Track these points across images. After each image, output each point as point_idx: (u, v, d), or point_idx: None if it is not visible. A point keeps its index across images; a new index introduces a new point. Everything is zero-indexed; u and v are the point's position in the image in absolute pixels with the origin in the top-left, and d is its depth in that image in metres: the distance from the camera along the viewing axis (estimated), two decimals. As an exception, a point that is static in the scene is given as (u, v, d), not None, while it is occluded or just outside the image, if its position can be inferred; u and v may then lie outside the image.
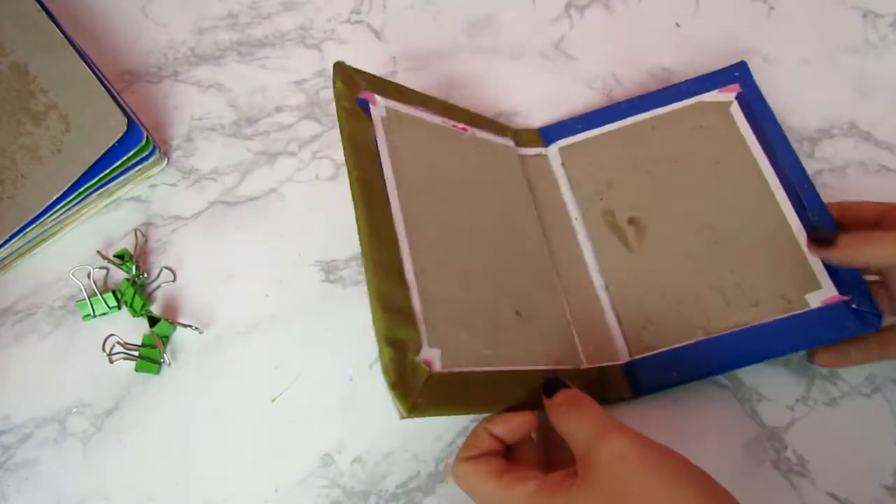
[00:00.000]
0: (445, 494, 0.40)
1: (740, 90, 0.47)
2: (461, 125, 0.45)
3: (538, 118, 0.51)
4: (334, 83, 0.40)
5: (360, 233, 0.35)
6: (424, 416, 0.32)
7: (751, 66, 0.48)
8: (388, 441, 0.41)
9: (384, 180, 0.38)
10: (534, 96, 0.52)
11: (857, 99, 0.51)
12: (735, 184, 0.44)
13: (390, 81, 0.44)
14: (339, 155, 0.49)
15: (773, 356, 0.41)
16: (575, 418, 0.32)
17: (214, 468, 0.40)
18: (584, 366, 0.41)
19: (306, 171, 0.49)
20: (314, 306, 0.42)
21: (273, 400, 0.42)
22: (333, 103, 0.51)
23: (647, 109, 0.48)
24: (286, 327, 0.44)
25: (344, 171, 0.46)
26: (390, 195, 0.37)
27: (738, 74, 0.48)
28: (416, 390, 0.32)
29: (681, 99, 0.48)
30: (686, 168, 0.45)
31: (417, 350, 0.33)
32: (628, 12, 0.55)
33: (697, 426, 0.41)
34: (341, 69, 0.41)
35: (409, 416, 0.31)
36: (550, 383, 0.35)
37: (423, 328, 0.34)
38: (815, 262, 0.41)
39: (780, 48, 0.52)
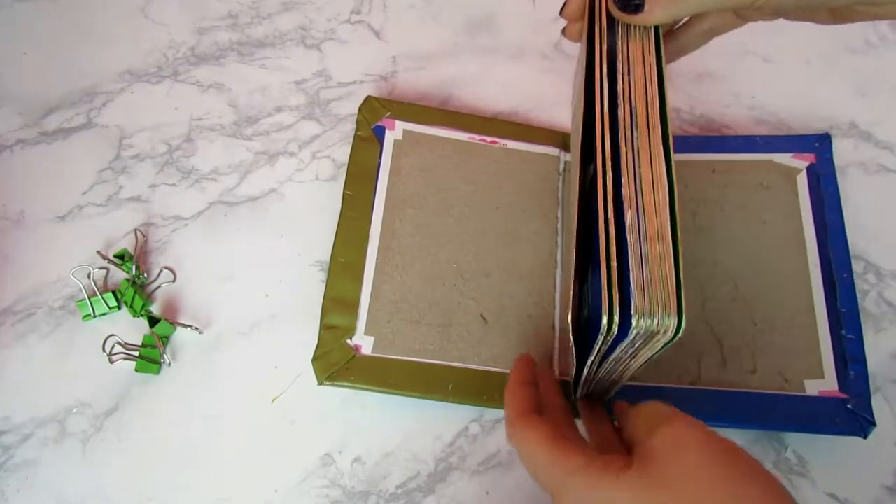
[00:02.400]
0: (445, 494, 0.40)
1: (814, 161, 0.46)
2: (490, 138, 0.48)
3: (538, 118, 0.51)
4: (358, 112, 0.48)
5: (334, 239, 0.43)
6: (340, 386, 0.40)
7: (750, 66, 0.48)
8: (388, 441, 0.41)
9: (373, 196, 0.45)
10: (534, 96, 0.52)
11: (857, 99, 0.51)
12: (774, 250, 0.43)
13: (417, 106, 0.49)
14: (339, 155, 0.49)
15: (754, 428, 0.40)
16: (634, 408, 0.31)
17: (214, 468, 0.40)
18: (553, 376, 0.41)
19: (306, 171, 0.49)
20: (314, 306, 0.42)
21: (273, 400, 0.42)
22: (333, 103, 0.52)
23: (716, 151, 0.46)
24: (286, 327, 0.44)
25: (343, 170, 0.46)
26: (375, 209, 0.45)
27: (818, 145, 0.46)
28: (336, 366, 0.40)
29: (753, 152, 0.46)
30: (730, 219, 0.44)
31: (350, 335, 0.41)
32: (628, 12, 0.55)
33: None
34: (368, 101, 0.48)
35: (322, 384, 0.40)
36: None
37: (362, 318, 0.42)
38: (826, 352, 0.41)
39: (781, 48, 0.53)
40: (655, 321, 0.27)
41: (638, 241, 0.28)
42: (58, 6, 0.53)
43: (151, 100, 0.50)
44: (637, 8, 0.31)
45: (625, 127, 0.31)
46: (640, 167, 0.30)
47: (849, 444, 0.40)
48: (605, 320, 0.28)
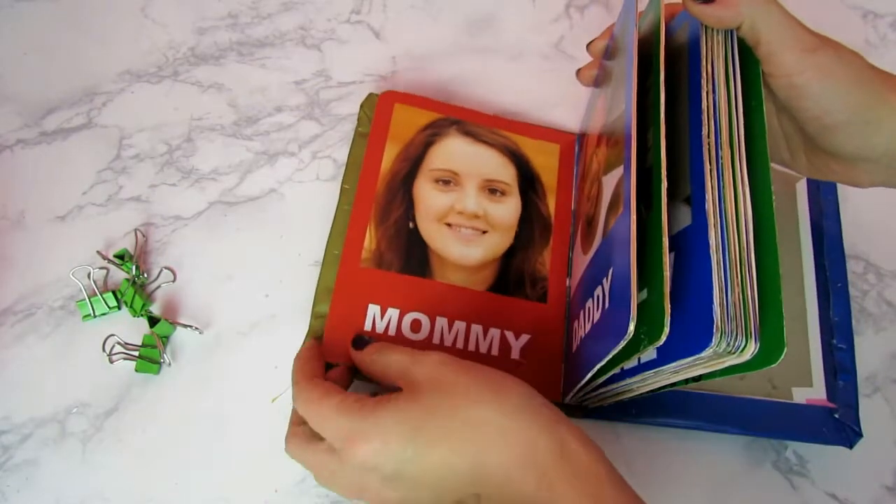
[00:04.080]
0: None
1: None
2: None
3: (538, 118, 0.51)
4: (360, 109, 0.48)
5: (329, 231, 0.44)
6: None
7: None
8: (388, 441, 0.41)
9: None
10: (534, 96, 0.52)
11: (857, 99, 0.51)
12: None
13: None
14: (339, 155, 0.49)
15: (741, 433, 0.40)
16: (388, 356, 0.35)
17: (214, 468, 0.40)
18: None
19: (306, 171, 0.49)
20: (314, 306, 0.42)
21: (273, 400, 0.42)
22: (333, 103, 0.51)
23: None
24: (286, 327, 0.44)
25: (343, 170, 0.46)
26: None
27: None
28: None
29: None
30: None
31: None
32: (628, 12, 0.55)
33: (697, 426, 0.41)
34: (370, 98, 0.48)
35: None
36: (359, 339, 0.38)
37: None
38: (816, 360, 0.40)
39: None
40: (735, 341, 0.27)
41: (722, 261, 0.28)
42: (58, 6, 0.53)
43: (151, 100, 0.50)
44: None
45: (708, 144, 0.30)
46: (724, 186, 0.29)
47: (849, 444, 0.40)
48: (667, 330, 0.27)
